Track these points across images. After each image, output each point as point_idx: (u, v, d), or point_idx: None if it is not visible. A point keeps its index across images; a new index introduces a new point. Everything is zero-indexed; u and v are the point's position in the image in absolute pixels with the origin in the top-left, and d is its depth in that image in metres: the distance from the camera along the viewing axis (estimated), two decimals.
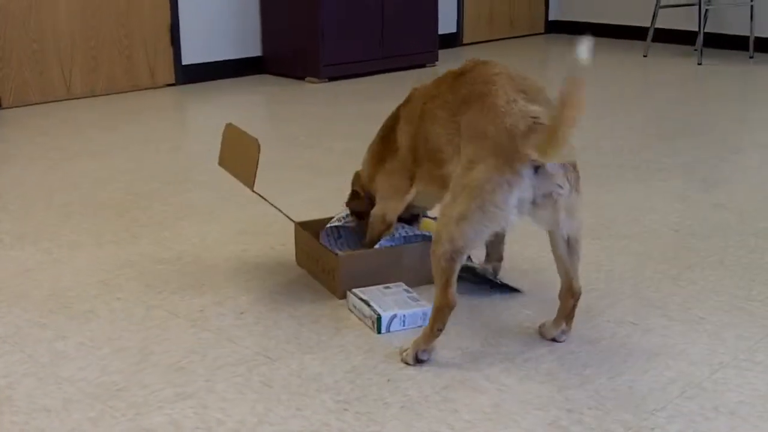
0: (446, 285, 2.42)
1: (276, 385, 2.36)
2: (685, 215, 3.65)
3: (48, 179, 4.19)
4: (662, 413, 2.22)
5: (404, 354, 2.49)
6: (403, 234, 2.92)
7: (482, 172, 2.36)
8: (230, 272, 3.09)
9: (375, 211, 2.91)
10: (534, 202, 2.37)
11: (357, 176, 3.06)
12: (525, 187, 2.34)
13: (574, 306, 2.58)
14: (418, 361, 2.46)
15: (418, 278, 2.90)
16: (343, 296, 2.84)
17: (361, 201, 3.01)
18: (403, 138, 2.78)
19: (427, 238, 2.92)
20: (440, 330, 2.45)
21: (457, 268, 2.42)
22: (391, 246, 2.91)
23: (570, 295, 2.57)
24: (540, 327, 2.64)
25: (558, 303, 2.59)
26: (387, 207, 2.87)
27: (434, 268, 2.44)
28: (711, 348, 2.56)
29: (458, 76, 2.63)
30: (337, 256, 2.85)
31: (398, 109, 2.86)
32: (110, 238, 3.41)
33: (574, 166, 2.44)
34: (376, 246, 2.90)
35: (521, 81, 2.54)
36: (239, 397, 2.30)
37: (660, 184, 4.07)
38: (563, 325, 2.59)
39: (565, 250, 2.51)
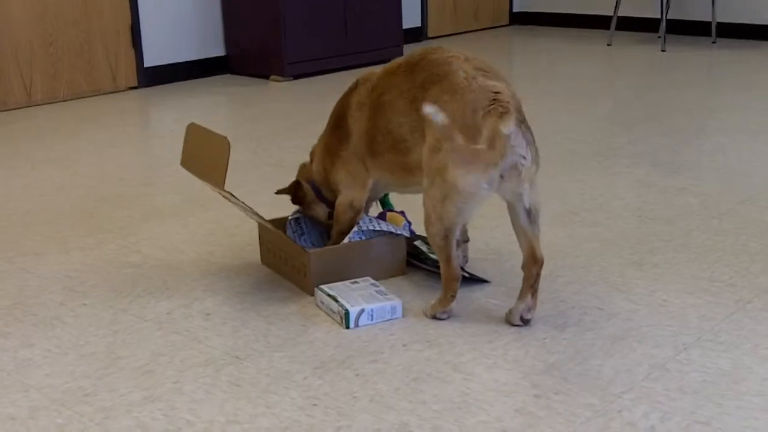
0: (448, 259, 2.61)
1: (245, 384, 2.36)
2: (648, 200, 3.67)
3: (10, 187, 4.16)
4: (628, 395, 2.24)
5: (425, 310, 2.72)
6: (371, 228, 2.92)
7: (447, 149, 2.47)
8: (197, 274, 3.08)
9: (341, 200, 2.92)
10: (501, 176, 2.46)
11: (303, 167, 3.10)
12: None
13: (538, 275, 2.61)
14: (437, 318, 2.68)
15: (388, 271, 2.94)
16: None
17: (302, 192, 3.04)
18: (355, 125, 2.82)
19: (393, 234, 2.94)
20: (453, 296, 2.67)
21: (453, 242, 2.58)
22: (361, 240, 2.91)
23: (533, 262, 2.60)
24: (506, 314, 2.65)
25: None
26: (352, 195, 2.90)
27: (433, 246, 2.63)
28: (675, 330, 2.58)
29: (411, 65, 2.68)
30: (308, 252, 2.85)
31: (345, 96, 2.90)
32: (75, 244, 3.40)
33: (533, 140, 2.52)
34: (346, 239, 2.90)
35: (476, 61, 2.62)
36: (208, 398, 2.30)
37: (624, 171, 4.09)
38: (528, 299, 2.61)
39: (527, 220, 2.58)
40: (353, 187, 2.89)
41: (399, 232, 2.96)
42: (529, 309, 2.62)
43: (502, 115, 2.41)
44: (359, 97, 2.82)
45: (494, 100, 2.45)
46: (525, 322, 2.62)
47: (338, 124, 2.89)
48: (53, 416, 2.23)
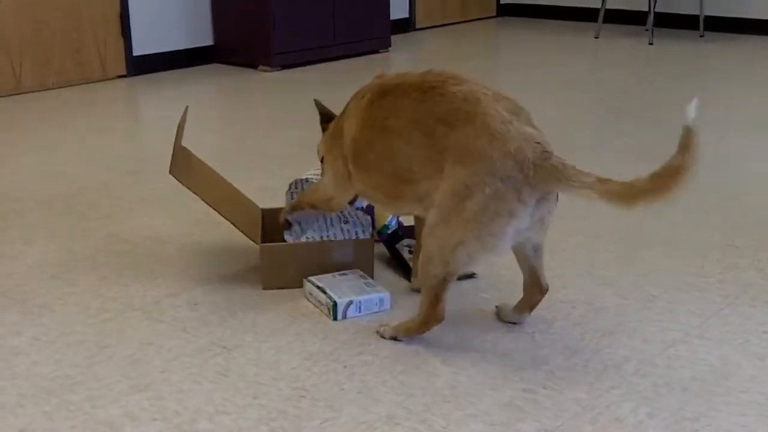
0: (436, 302, 2.44)
1: (232, 374, 2.36)
2: None
3: None
4: (616, 391, 2.25)
5: (382, 329, 2.54)
6: (349, 230, 2.90)
7: (483, 199, 2.29)
8: (185, 263, 3.07)
9: (324, 190, 2.77)
10: (528, 228, 2.36)
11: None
12: (525, 216, 2.32)
13: (540, 300, 2.59)
14: (393, 339, 2.52)
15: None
16: (268, 287, 2.84)
17: None
18: (347, 131, 2.63)
19: (360, 240, 2.90)
20: (423, 332, 2.50)
21: (448, 288, 2.42)
22: (320, 241, 2.88)
23: (538, 290, 2.57)
24: (497, 309, 2.65)
25: (515, 292, 2.62)
26: (334, 194, 2.73)
27: (424, 285, 2.44)
28: (663, 325, 2.59)
29: (425, 90, 2.46)
30: (261, 246, 2.84)
31: (353, 98, 2.69)
32: (63, 232, 3.39)
33: None
34: (310, 236, 2.88)
35: (504, 99, 2.44)
36: (195, 387, 2.29)
37: (611, 164, 4.09)
38: (526, 313, 2.61)
39: (532, 253, 2.52)
40: (337, 188, 2.72)
41: (363, 237, 2.91)
42: (522, 317, 2.61)
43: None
44: (360, 110, 2.60)
45: (544, 152, 2.31)
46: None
47: (341, 121, 2.72)
48: (41, 404, 2.22)
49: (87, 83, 6.20)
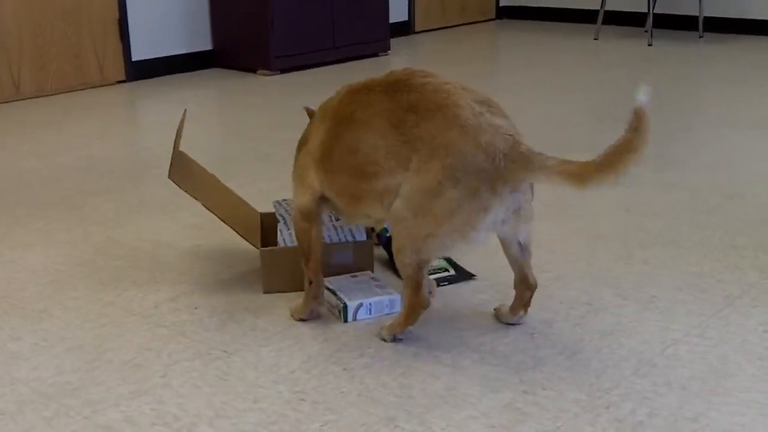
0: (417, 288, 2.44)
1: (232, 378, 2.36)
2: (636, 195, 3.68)
3: None
4: (616, 391, 2.24)
5: (382, 332, 2.54)
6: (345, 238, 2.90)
7: (455, 194, 2.28)
8: (184, 267, 3.07)
9: (293, 211, 2.70)
10: (503, 220, 2.36)
11: None
12: (500, 209, 2.32)
13: (531, 296, 2.59)
14: (396, 340, 2.52)
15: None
16: (268, 291, 2.84)
17: None
18: (313, 136, 2.60)
19: (360, 242, 2.90)
20: (415, 320, 2.50)
21: (425, 272, 2.44)
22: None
23: (526, 287, 2.57)
24: (495, 311, 2.65)
25: (514, 292, 2.61)
26: (299, 201, 2.63)
27: (402, 274, 2.45)
28: (663, 325, 2.59)
29: (389, 85, 2.44)
30: (260, 250, 2.84)
31: (319, 108, 2.67)
32: (63, 236, 3.39)
33: None
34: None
35: (475, 92, 2.42)
36: (195, 392, 2.29)
37: None
38: (521, 313, 2.61)
39: (519, 251, 2.51)
40: (300, 193, 2.63)
41: (358, 236, 2.90)
42: (520, 317, 2.61)
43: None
44: (326, 110, 2.58)
45: (515, 142, 2.30)
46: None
47: (306, 130, 2.69)
48: (40, 410, 2.22)
49: (86, 88, 6.20)
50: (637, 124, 2.23)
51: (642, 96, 2.23)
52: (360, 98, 2.48)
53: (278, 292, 2.84)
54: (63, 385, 2.34)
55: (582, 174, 2.25)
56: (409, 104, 2.37)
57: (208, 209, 2.87)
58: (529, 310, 2.61)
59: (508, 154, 2.29)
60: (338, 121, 2.51)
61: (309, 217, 2.61)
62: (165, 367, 2.42)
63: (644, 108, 2.23)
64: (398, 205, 2.37)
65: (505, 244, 2.52)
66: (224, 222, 2.88)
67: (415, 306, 2.47)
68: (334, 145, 2.50)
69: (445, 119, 2.31)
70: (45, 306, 2.81)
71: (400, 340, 2.52)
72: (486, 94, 2.44)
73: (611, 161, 2.22)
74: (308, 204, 2.60)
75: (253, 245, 2.89)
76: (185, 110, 3.02)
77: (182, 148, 2.94)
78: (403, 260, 2.41)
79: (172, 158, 2.80)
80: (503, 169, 2.28)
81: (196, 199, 2.85)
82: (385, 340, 2.52)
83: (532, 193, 2.43)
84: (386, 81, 2.46)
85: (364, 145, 2.43)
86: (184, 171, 2.89)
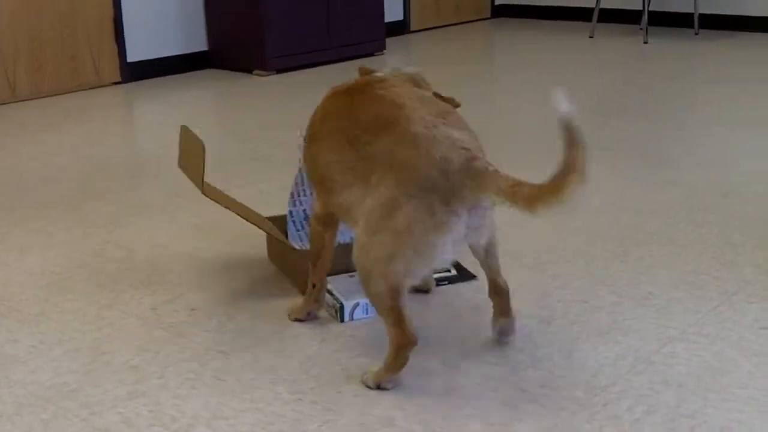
0: (398, 322, 2.23)
1: (230, 378, 2.36)
2: (632, 193, 3.68)
3: None
4: (613, 389, 2.25)
5: (365, 378, 2.32)
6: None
7: (411, 211, 2.15)
8: (182, 269, 3.08)
9: (312, 209, 2.65)
10: (465, 236, 2.22)
11: None
12: (459, 226, 2.17)
13: (507, 301, 2.48)
14: (380, 388, 2.29)
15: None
16: (299, 288, 2.82)
17: None
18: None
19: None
20: (403, 364, 2.27)
21: (403, 301, 2.22)
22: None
23: (496, 292, 2.47)
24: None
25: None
26: (316, 208, 2.55)
27: (378, 310, 2.26)
28: (660, 322, 2.59)
29: (352, 92, 2.39)
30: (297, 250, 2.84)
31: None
32: (60, 238, 3.39)
33: None
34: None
35: (429, 102, 2.31)
36: (192, 393, 2.29)
37: (607, 164, 4.10)
38: (502, 321, 2.49)
39: (484, 255, 2.41)
40: (315, 196, 2.57)
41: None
42: (509, 331, 2.50)
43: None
44: (312, 119, 2.53)
45: (470, 160, 2.16)
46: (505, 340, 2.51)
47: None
48: (38, 412, 2.22)
49: (82, 90, 6.20)
50: (569, 139, 2.07)
51: (562, 105, 2.06)
52: (326, 106, 2.45)
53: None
54: (60, 387, 2.34)
55: (532, 197, 2.08)
56: (366, 121, 2.28)
57: (244, 218, 2.86)
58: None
59: (463, 169, 2.15)
60: (311, 137, 2.48)
61: (325, 221, 2.53)
62: (162, 369, 2.42)
63: (569, 118, 2.07)
64: (359, 227, 2.26)
65: (471, 248, 2.40)
66: (259, 227, 2.88)
67: (402, 344, 2.24)
68: (309, 157, 2.48)
69: (396, 136, 2.21)
70: (42, 308, 2.81)
71: (386, 389, 2.28)
72: (445, 105, 2.35)
73: (556, 185, 2.04)
74: (318, 207, 2.53)
75: (284, 243, 2.90)
76: (183, 126, 2.95)
77: (181, 151, 2.94)
78: (372, 290, 2.23)
79: (202, 173, 2.73)
80: (458, 184, 2.14)
81: (234, 212, 2.84)
82: (368, 387, 2.30)
83: (491, 209, 2.28)
84: (349, 87, 2.41)
85: (321, 160, 2.39)
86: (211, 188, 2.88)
